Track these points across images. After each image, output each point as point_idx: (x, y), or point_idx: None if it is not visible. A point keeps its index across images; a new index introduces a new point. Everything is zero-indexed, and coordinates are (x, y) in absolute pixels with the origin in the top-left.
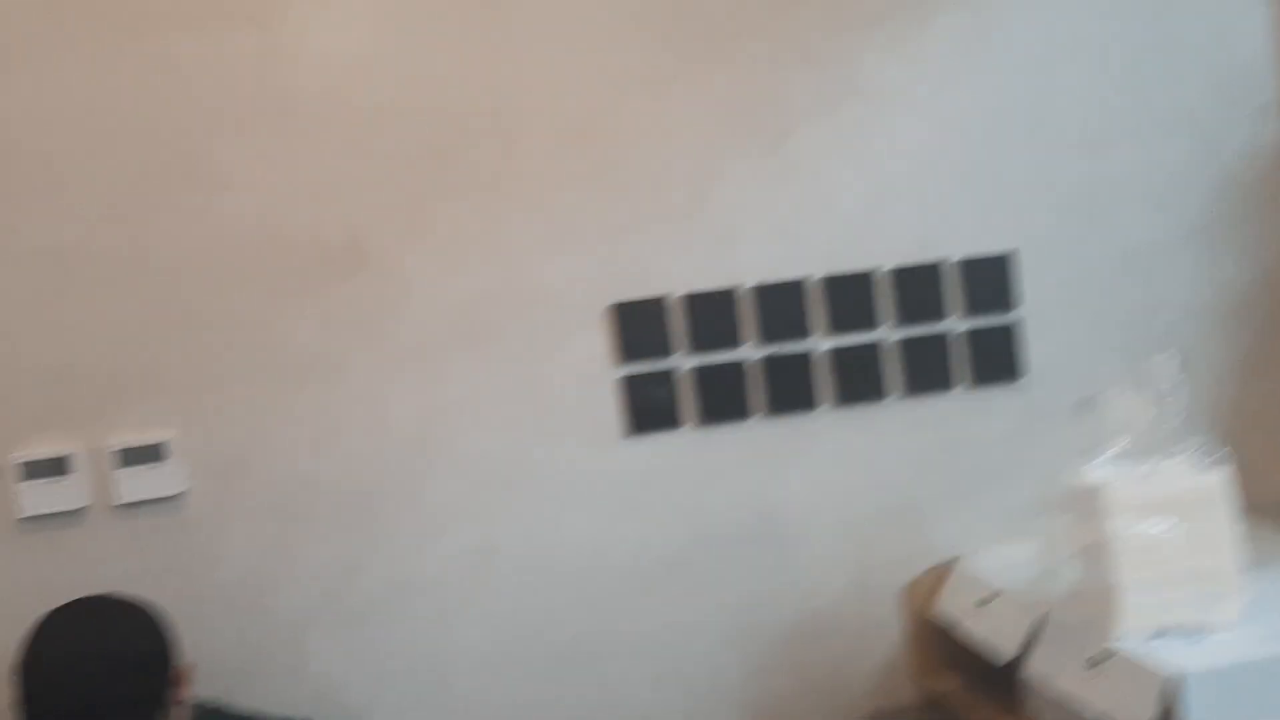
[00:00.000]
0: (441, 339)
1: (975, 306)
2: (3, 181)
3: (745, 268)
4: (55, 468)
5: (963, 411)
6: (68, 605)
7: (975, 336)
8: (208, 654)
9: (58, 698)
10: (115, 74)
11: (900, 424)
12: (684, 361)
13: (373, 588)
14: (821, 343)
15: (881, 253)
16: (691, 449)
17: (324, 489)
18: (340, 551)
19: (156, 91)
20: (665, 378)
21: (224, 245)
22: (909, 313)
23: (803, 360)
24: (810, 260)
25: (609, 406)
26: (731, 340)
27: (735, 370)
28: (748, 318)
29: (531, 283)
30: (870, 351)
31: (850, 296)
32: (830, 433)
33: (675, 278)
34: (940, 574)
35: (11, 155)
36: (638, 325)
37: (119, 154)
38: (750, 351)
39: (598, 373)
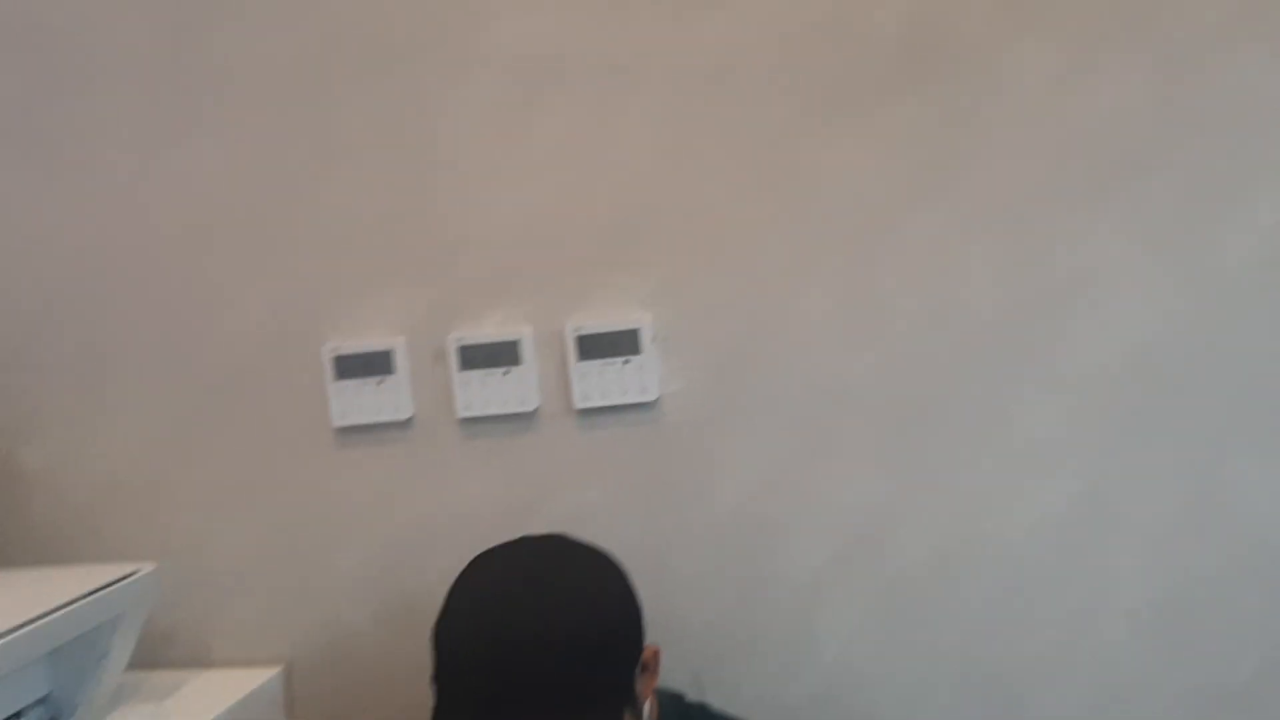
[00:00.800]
0: (1052, 183)
1: None
2: None
3: None
4: (500, 355)
5: None
6: (504, 551)
7: None
8: (681, 621)
9: (483, 685)
10: None
11: None
12: None
13: (919, 546)
14: None
15: None
16: None
17: (858, 402)
18: (876, 491)
19: None
20: None
21: (737, 47)
22: None
23: None
24: None
25: None
26: None
27: None
28: None
29: (1203, 93)
30: None
31: None
32: None
33: None
34: None
35: None
36: None
37: None
38: None
39: None
